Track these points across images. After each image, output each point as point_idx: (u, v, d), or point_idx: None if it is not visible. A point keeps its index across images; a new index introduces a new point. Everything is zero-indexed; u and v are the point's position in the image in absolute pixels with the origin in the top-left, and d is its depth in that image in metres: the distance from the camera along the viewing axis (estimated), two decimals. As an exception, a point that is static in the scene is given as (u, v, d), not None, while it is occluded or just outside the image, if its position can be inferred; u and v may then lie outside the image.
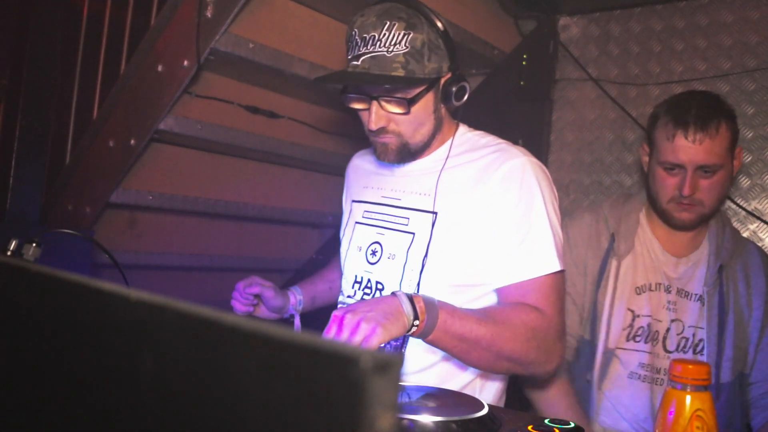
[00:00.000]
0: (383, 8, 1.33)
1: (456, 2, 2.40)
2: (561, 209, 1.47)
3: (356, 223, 1.58)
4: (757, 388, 1.75)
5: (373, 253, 1.50)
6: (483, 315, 1.29)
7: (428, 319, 1.18)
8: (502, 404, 1.51)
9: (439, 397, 1.21)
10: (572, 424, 1.08)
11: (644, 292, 1.75)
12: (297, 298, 1.72)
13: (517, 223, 1.36)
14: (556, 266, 1.36)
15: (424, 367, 1.43)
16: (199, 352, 0.45)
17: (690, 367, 0.91)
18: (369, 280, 1.50)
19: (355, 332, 1.10)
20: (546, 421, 1.11)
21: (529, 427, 1.08)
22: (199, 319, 0.45)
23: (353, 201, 1.64)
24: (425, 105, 1.38)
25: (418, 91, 1.34)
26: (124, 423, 0.50)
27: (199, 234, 2.61)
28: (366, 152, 1.73)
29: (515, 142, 1.47)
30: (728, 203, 2.24)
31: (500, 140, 1.49)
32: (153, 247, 2.48)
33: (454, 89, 1.38)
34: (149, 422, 0.48)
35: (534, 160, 1.43)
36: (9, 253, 1.20)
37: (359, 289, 1.52)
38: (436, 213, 1.43)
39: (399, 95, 1.34)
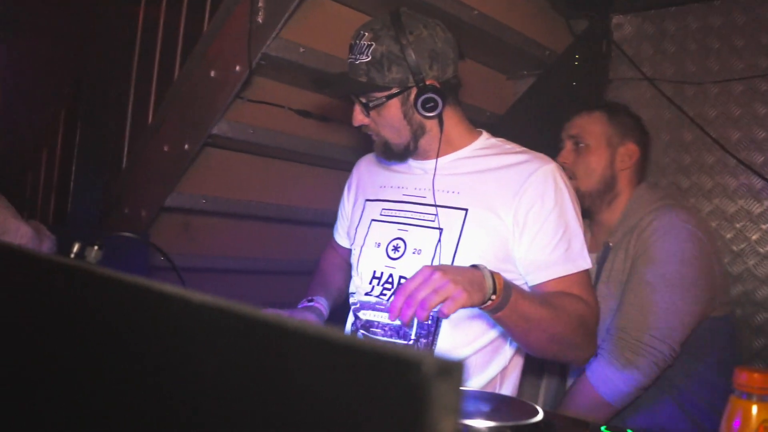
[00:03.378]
0: (372, 19, 1.48)
1: (506, 3, 2.37)
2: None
3: (372, 220, 1.62)
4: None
5: (396, 248, 1.54)
6: (542, 299, 1.38)
7: (503, 296, 1.24)
8: (515, 395, 1.56)
9: (493, 402, 1.20)
10: (631, 432, 1.06)
11: None
12: (327, 311, 1.71)
13: (555, 223, 1.44)
14: (589, 263, 1.48)
15: None
16: (260, 355, 0.45)
17: (756, 376, 0.87)
18: (391, 275, 1.53)
19: (441, 290, 1.14)
20: (602, 428, 1.09)
21: (586, 434, 1.06)
22: (261, 323, 0.45)
23: (367, 200, 1.68)
24: (393, 112, 1.47)
25: (376, 97, 1.45)
26: (187, 426, 0.50)
27: (252, 237, 2.64)
28: None
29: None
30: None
31: (522, 147, 1.57)
32: (206, 251, 2.52)
33: (419, 101, 1.45)
34: (211, 425, 0.48)
35: (560, 166, 1.53)
36: (72, 255, 1.24)
37: (378, 284, 1.55)
38: (466, 210, 1.48)
39: (363, 100, 1.48)
